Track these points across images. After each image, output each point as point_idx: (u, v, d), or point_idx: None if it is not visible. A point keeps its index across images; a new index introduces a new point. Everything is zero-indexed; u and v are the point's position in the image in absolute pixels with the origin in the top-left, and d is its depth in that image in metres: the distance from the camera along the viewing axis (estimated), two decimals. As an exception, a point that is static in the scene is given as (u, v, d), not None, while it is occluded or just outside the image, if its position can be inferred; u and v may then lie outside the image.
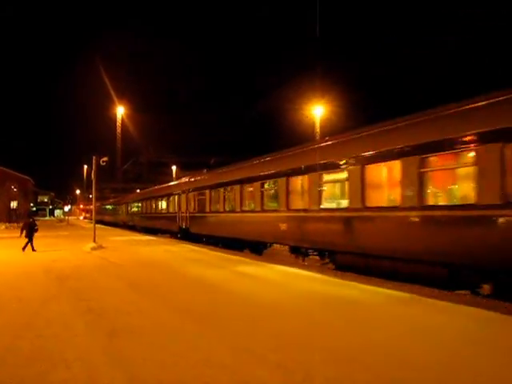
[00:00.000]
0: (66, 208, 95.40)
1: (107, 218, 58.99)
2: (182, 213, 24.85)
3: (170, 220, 27.49)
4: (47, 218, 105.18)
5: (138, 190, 58.23)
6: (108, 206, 62.78)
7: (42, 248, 18.56)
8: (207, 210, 21.26)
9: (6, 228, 41.34)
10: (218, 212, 19.92)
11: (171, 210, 27.82)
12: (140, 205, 38.57)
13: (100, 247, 18.88)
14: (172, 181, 46.31)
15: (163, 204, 30.59)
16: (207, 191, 21.35)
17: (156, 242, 24.04)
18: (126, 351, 4.98)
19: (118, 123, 52.97)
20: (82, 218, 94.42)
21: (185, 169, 62.28)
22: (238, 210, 17.54)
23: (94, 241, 19.76)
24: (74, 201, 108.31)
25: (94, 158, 20.09)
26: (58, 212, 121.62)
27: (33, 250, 17.78)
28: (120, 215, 49.56)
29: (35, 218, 20.82)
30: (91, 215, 26.62)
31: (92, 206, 25.64)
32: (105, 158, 20.23)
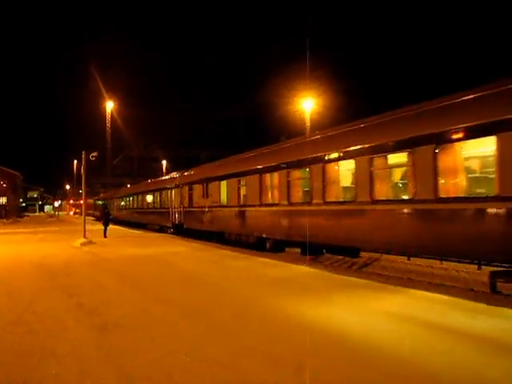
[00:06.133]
0: (56, 203, 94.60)
1: (129, 216, 37.16)
2: None
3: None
4: (37, 213, 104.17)
5: (129, 185, 56.17)
6: (131, 197, 37.77)
7: (33, 243, 18.48)
8: None
9: (-4, 224, 40.86)
10: None
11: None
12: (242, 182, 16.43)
13: (90, 242, 18.83)
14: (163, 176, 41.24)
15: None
16: None
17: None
18: (117, 346, 5.02)
19: (108, 118, 52.65)
20: (72, 213, 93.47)
21: (175, 164, 62.08)
22: None
23: (85, 236, 19.72)
24: (63, 196, 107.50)
25: (83, 153, 20.07)
26: (48, 208, 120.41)
27: (105, 236, 21.44)
28: (160, 212, 27.36)
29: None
30: (86, 211, 21.91)
31: (82, 201, 24.54)
32: (94, 154, 20.23)
